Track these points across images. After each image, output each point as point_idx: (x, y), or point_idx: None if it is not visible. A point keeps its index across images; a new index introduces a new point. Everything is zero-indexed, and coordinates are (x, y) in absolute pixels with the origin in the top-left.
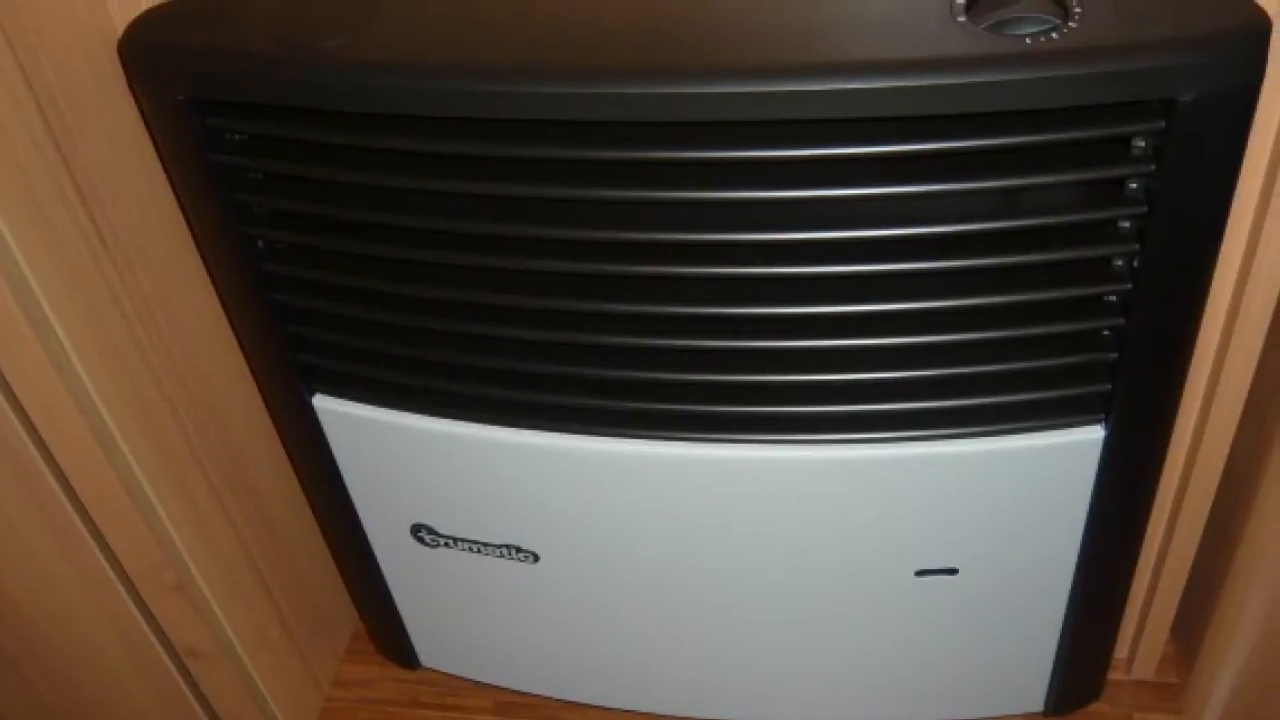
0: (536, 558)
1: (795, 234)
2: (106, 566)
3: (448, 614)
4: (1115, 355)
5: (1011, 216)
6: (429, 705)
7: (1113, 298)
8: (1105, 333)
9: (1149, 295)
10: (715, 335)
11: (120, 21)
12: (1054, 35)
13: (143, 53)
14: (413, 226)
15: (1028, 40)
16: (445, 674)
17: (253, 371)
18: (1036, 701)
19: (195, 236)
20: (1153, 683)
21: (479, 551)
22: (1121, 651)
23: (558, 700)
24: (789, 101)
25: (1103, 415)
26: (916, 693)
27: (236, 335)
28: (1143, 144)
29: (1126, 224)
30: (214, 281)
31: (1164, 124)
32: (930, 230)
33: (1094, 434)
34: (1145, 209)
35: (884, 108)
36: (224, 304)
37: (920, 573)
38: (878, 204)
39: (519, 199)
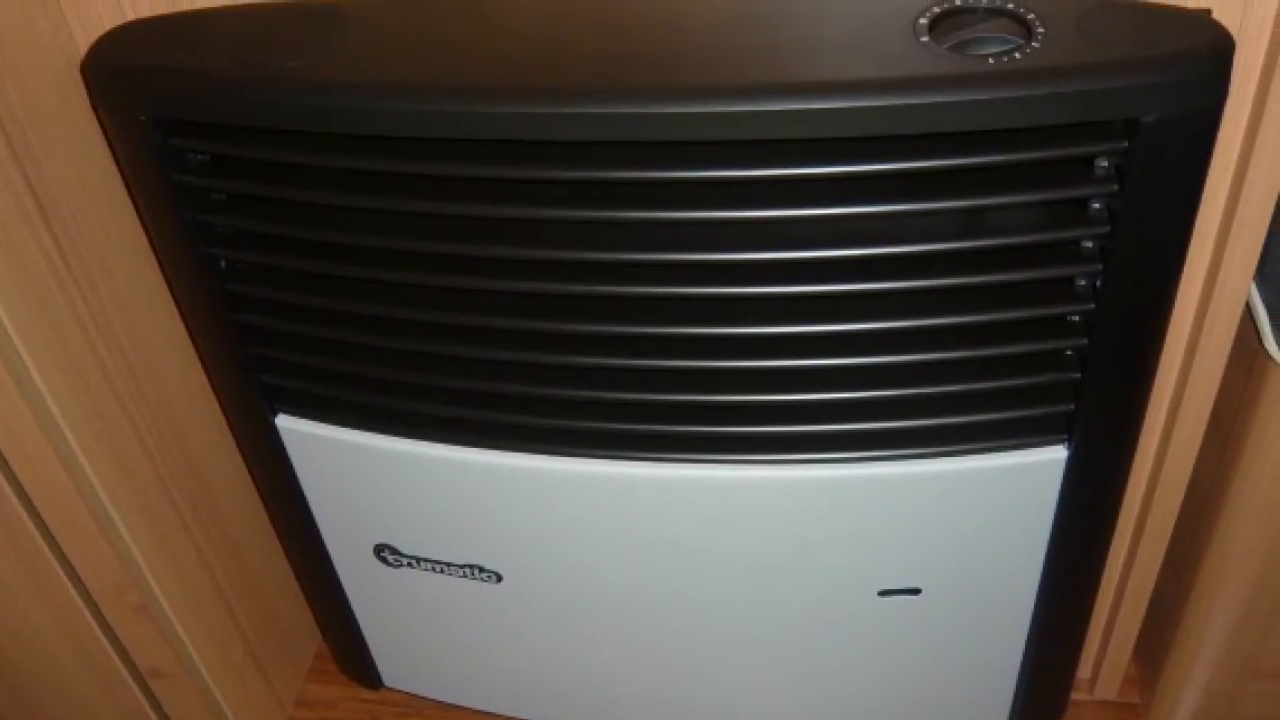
0: (499, 578)
1: (758, 254)
2: (69, 586)
3: (411, 634)
4: (1078, 375)
5: (974, 236)
6: None
7: (1076, 317)
8: (1068, 352)
9: (1112, 315)
10: (677, 355)
11: (84, 42)
12: (1017, 55)
13: (106, 73)
14: (375, 246)
15: (991, 60)
16: (408, 694)
17: (216, 391)
18: None
19: (158, 256)
20: (1116, 703)
21: (442, 571)
22: (1084, 672)
23: None
24: (752, 121)
25: (1066, 435)
26: (880, 712)
27: (199, 355)
28: (1106, 164)
29: (1089, 244)
30: (177, 301)
31: (1127, 144)
32: (894, 250)
33: (1057, 454)
34: (1108, 229)
35: (847, 128)
36: (187, 324)
37: (883, 593)
38: (841, 224)
39: (483, 219)
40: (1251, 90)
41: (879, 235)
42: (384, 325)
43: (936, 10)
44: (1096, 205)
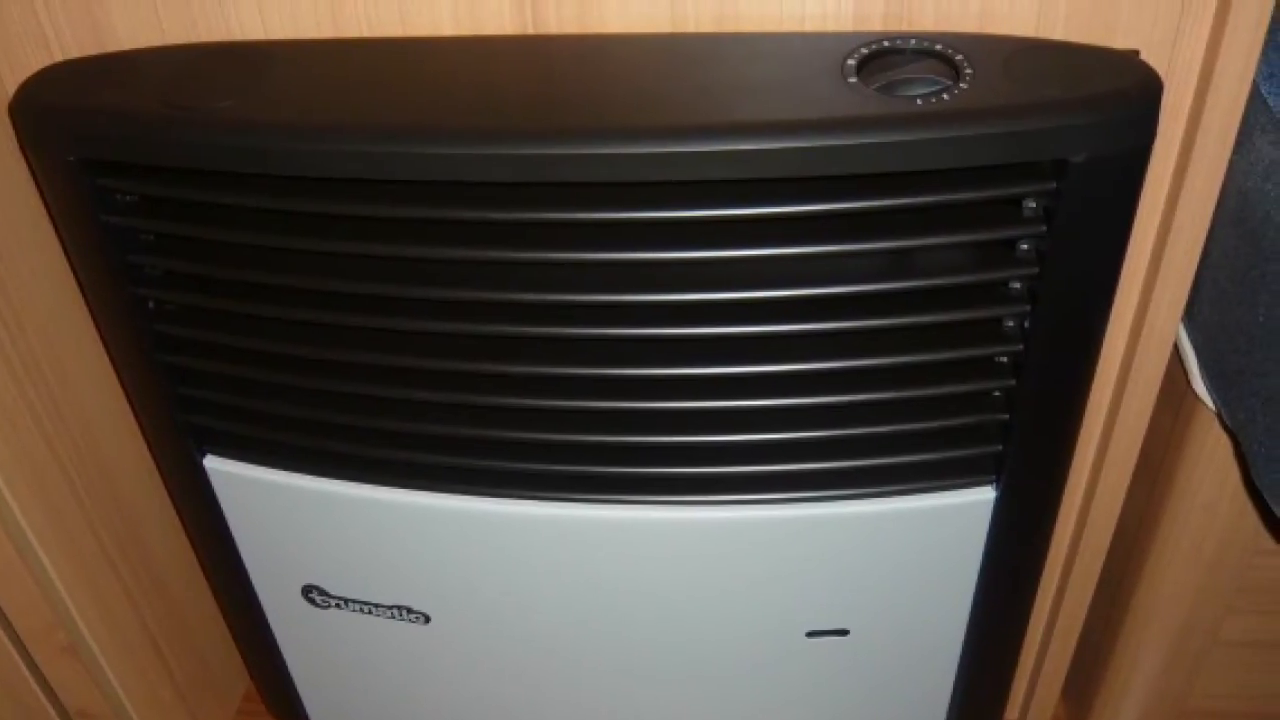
0: (428, 619)
1: (687, 295)
2: None
3: (339, 675)
4: (1006, 416)
5: (902, 277)
6: None
7: (1004, 358)
8: (996, 394)
9: (1040, 356)
10: (605, 396)
11: (11, 83)
12: (945, 96)
13: (33, 114)
14: (304, 288)
15: (919, 101)
16: None
17: (143, 432)
18: None
19: (86, 297)
20: None
21: (370, 613)
22: (1012, 713)
23: None
24: (681, 162)
25: (994, 476)
26: None
27: (127, 395)
28: (1034, 205)
29: (1017, 285)
30: (105, 342)
31: (1055, 185)
32: (822, 291)
33: (985, 495)
34: (1036, 270)
35: (776, 169)
36: (115, 364)
37: (811, 634)
38: (769, 264)
39: (410, 260)
40: (1180, 131)
41: (807, 276)
42: (313, 366)
43: (865, 51)
44: (1025, 246)
